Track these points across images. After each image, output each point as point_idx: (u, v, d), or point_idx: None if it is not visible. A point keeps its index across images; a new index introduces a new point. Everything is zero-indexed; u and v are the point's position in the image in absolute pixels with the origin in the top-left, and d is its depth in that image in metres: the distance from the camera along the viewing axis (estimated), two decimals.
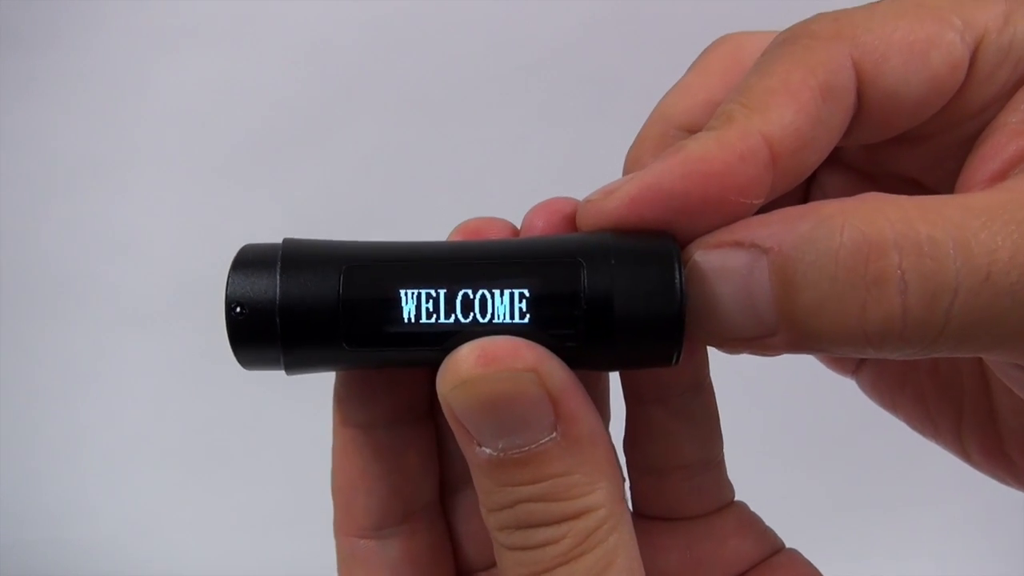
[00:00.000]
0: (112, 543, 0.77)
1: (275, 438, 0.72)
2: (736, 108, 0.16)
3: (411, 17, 0.59)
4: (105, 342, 0.69)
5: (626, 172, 0.19)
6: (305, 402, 0.69)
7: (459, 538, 0.20)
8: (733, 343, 0.16)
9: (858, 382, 0.23)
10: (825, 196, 0.20)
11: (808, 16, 0.17)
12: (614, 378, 0.20)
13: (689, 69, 0.19)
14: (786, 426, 0.70)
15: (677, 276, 0.15)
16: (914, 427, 0.22)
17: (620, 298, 0.15)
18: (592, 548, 0.15)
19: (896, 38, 0.16)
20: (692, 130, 0.17)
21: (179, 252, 0.66)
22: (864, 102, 0.16)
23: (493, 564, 0.19)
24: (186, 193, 0.65)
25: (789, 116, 0.15)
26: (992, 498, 0.74)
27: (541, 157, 0.49)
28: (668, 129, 0.18)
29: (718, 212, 0.15)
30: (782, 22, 0.20)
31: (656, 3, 0.55)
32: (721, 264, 0.15)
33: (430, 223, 0.24)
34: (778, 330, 0.15)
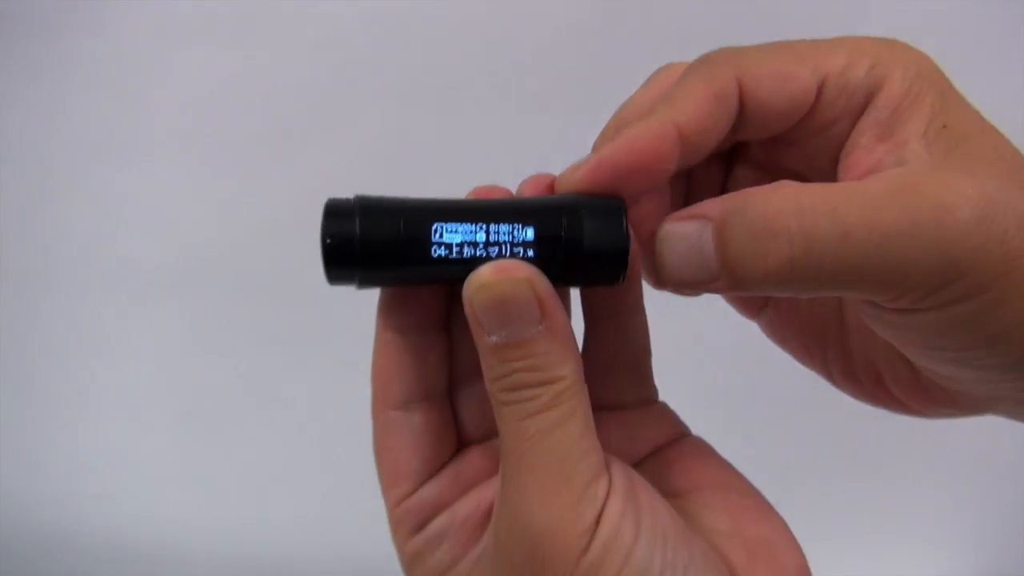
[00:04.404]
0: (121, 497, 0.80)
1: (273, 402, 0.76)
2: (659, 106, 0.22)
3: (412, 15, 0.62)
4: (120, 309, 0.71)
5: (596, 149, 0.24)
6: (301, 370, 0.72)
7: (460, 418, 0.26)
8: (689, 286, 0.22)
9: (759, 324, 0.29)
10: (737, 184, 0.26)
11: (746, 35, 0.24)
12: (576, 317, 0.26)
13: (639, 88, 0.25)
14: (725, 398, 0.74)
15: (624, 224, 0.22)
16: (797, 358, 0.28)
17: (588, 238, 0.22)
18: (562, 403, 0.21)
19: (768, 69, 0.22)
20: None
21: (191, 227, 0.68)
22: (744, 108, 0.22)
23: (485, 438, 0.26)
24: (199, 173, 0.67)
25: (692, 110, 0.22)
26: (932, 473, 0.76)
27: (527, 145, 0.53)
28: (621, 128, 0.24)
29: (644, 175, 0.22)
30: (749, 29, 0.26)
31: (635, 11, 0.59)
32: (682, 230, 0.21)
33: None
34: (719, 276, 0.21)
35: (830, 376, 0.27)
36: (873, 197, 0.19)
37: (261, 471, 0.80)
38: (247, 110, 0.65)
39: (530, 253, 0.22)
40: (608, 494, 0.21)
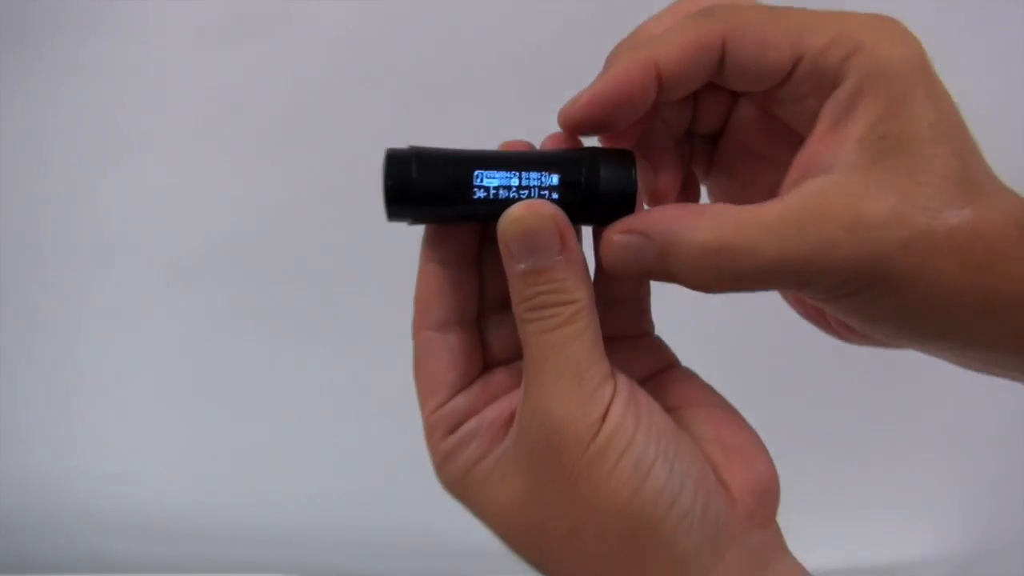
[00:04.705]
0: (144, 473, 0.83)
1: (289, 383, 0.79)
2: (648, 43, 0.25)
3: (422, 16, 0.65)
4: (144, 295, 0.74)
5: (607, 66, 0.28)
6: (316, 352, 0.75)
7: (487, 343, 0.29)
8: (626, 277, 0.27)
9: None
10: (740, 119, 0.29)
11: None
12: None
13: (667, 7, 0.28)
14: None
15: (633, 172, 0.26)
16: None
17: (603, 183, 0.26)
18: (577, 321, 0.25)
19: (753, 34, 0.25)
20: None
21: (212, 216, 0.72)
22: (724, 62, 0.25)
23: (509, 361, 0.29)
24: (221, 166, 0.70)
25: (674, 53, 0.25)
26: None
27: (532, 135, 0.56)
28: (633, 47, 0.27)
29: (629, 106, 0.25)
30: None
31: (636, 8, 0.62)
32: (628, 241, 0.25)
33: None
34: (658, 275, 0.25)
35: (784, 292, 0.31)
36: (783, 231, 0.23)
37: (277, 449, 0.82)
38: (266, 107, 0.68)
39: (554, 196, 0.26)
40: (613, 395, 0.25)
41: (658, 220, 0.25)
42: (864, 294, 0.23)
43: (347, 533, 0.85)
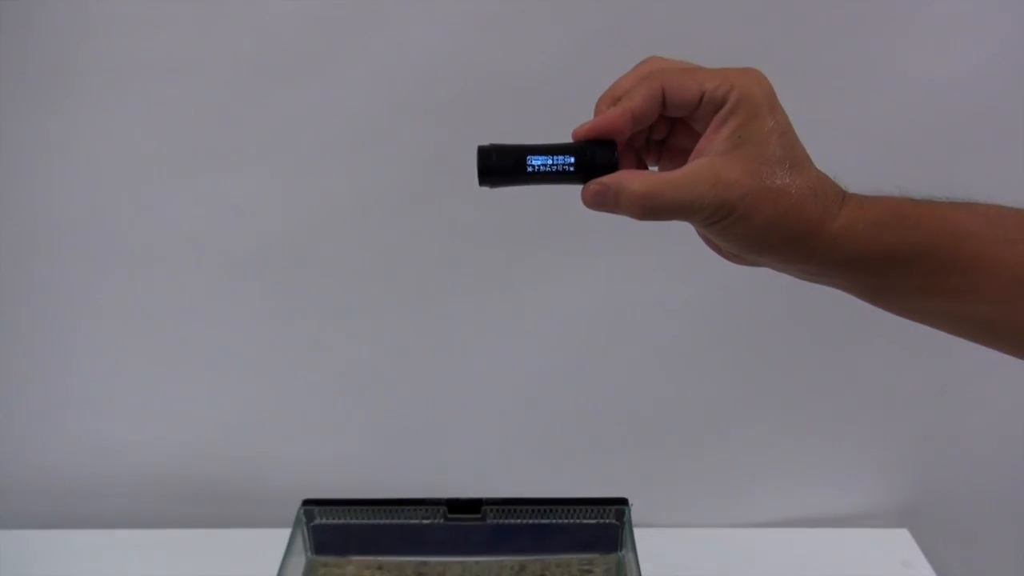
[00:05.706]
0: (214, 441, 0.91)
1: (332, 360, 0.87)
2: (624, 99, 0.38)
3: (443, 56, 0.70)
4: (211, 285, 0.82)
5: (596, 109, 0.40)
6: (354, 331, 0.88)
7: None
8: (599, 209, 0.39)
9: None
10: (676, 131, 0.41)
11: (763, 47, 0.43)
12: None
13: (627, 72, 0.40)
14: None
15: (616, 153, 0.41)
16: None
17: (599, 159, 0.41)
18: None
19: (678, 84, 0.38)
20: (619, 98, 0.39)
21: (267, 219, 0.79)
22: (664, 102, 0.38)
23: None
24: (277, 178, 0.77)
25: (639, 103, 0.38)
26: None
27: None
28: (611, 97, 0.40)
29: (613, 134, 0.39)
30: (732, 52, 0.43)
31: (636, 36, 0.67)
32: (598, 188, 0.38)
33: (469, 191, 0.46)
34: (614, 209, 0.38)
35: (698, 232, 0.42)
36: (680, 185, 0.37)
37: (317, 416, 0.90)
38: (312, 132, 0.75)
39: (572, 169, 0.41)
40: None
41: (615, 178, 0.39)
42: (724, 222, 0.37)
43: (375, 487, 0.90)
